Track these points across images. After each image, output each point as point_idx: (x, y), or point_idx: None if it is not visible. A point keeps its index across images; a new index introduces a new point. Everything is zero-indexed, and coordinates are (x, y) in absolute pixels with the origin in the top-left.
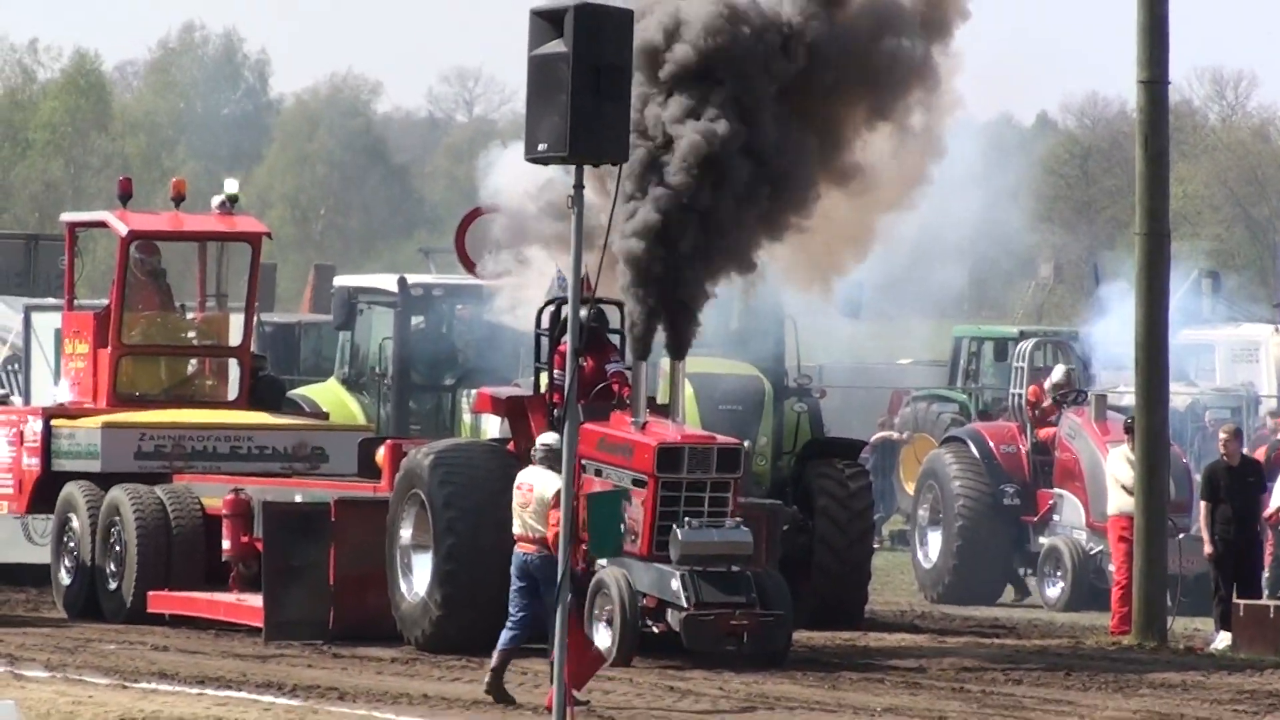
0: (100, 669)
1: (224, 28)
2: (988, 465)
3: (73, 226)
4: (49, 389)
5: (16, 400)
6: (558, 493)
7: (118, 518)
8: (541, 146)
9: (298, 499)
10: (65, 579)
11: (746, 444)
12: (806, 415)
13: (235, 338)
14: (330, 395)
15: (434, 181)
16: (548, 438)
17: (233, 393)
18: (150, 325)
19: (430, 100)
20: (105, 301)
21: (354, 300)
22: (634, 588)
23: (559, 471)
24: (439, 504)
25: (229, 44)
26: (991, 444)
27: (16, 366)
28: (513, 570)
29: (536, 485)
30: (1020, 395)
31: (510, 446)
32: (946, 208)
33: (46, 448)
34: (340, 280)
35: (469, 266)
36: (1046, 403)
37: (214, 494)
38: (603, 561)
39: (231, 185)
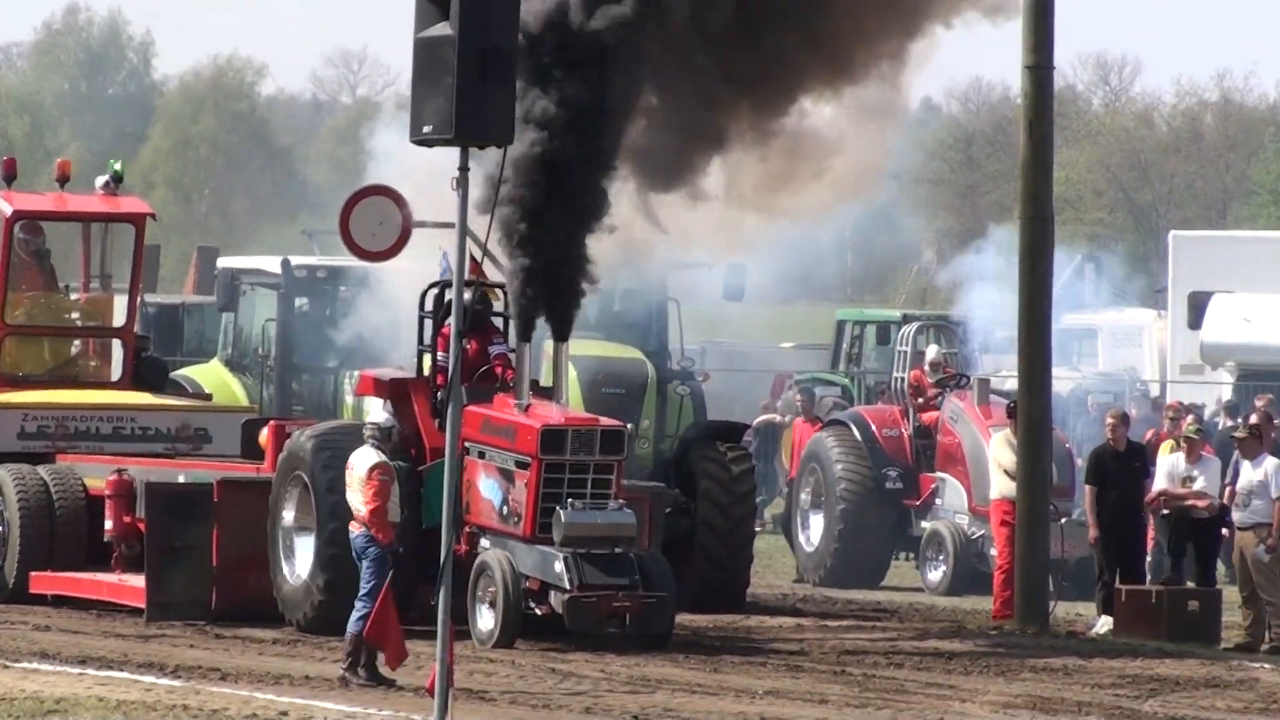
0: None
1: (108, 10)
2: (870, 449)
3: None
4: None
5: None
6: (370, 468)
7: (0, 497)
8: (427, 129)
9: (181, 480)
10: None
11: (629, 427)
12: (690, 398)
13: (119, 319)
14: (213, 376)
15: (318, 164)
16: (377, 417)
17: (116, 373)
18: (34, 306)
19: (314, 82)
20: None
21: (237, 281)
22: (517, 570)
23: (384, 452)
24: (322, 487)
25: (113, 26)
26: (874, 427)
27: None
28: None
29: (355, 464)
30: (903, 379)
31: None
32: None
33: None
34: (224, 262)
35: (353, 248)
36: (930, 387)
37: (97, 474)
38: (485, 543)
39: (115, 165)
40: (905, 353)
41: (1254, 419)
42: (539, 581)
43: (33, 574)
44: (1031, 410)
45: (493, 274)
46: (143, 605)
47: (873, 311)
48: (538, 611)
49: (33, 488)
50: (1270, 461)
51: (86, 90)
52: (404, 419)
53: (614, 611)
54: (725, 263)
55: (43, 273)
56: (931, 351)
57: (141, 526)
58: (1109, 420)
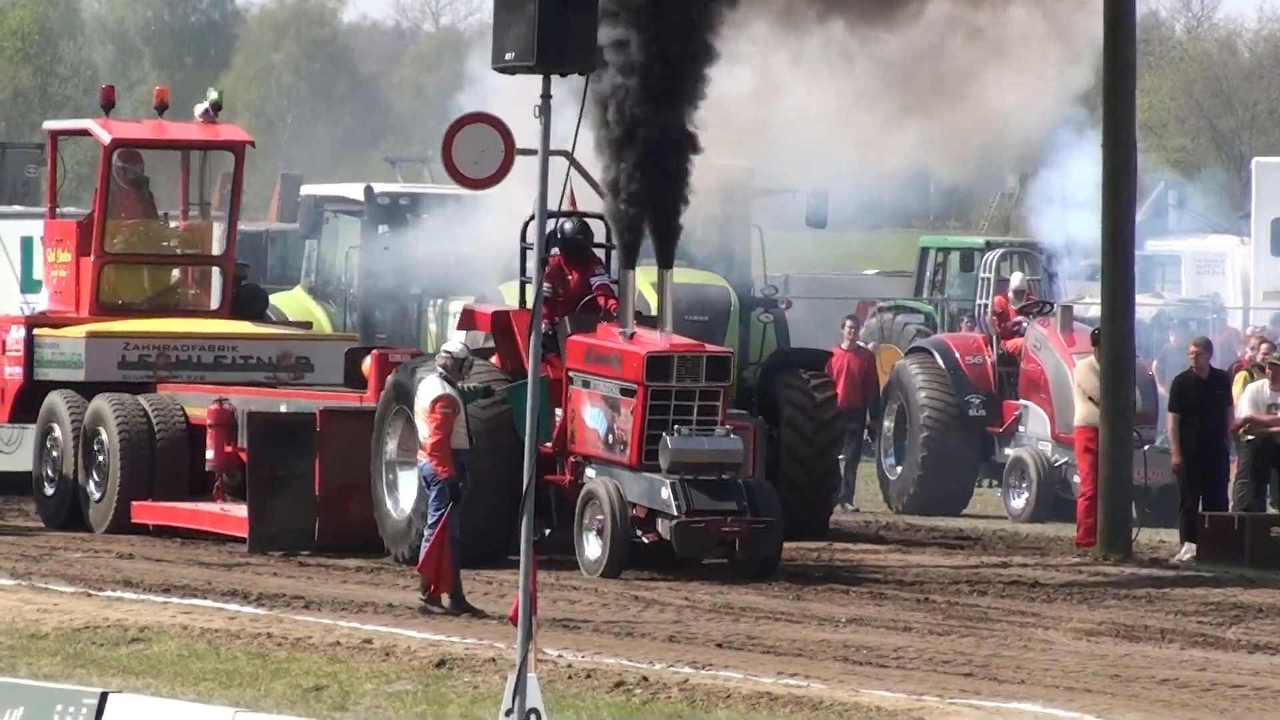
0: (65, 577)
1: None
2: (953, 376)
3: (55, 134)
4: (14, 297)
5: None
6: (434, 400)
7: (101, 428)
8: (509, 56)
9: (283, 409)
10: (48, 489)
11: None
12: (772, 326)
13: (218, 247)
14: (297, 304)
15: (400, 92)
16: (450, 345)
17: (215, 302)
18: (133, 234)
19: (397, 10)
20: (87, 211)
21: (320, 209)
22: (624, 497)
23: (451, 383)
24: None
25: None
26: (957, 355)
27: None
28: None
29: (421, 394)
30: (986, 306)
31: (495, 360)
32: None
33: (29, 357)
34: (307, 189)
35: (455, 175)
36: (1013, 314)
37: (198, 404)
38: (591, 472)
39: (214, 93)
40: (989, 280)
41: None
42: (645, 509)
43: (134, 504)
44: (1115, 337)
45: (595, 206)
46: (245, 535)
47: (956, 239)
48: (645, 540)
49: (133, 417)
50: None
51: (169, 18)
52: (507, 351)
53: (722, 537)
54: (809, 189)
55: (141, 201)
56: (1016, 279)
57: (243, 456)
58: (1192, 348)
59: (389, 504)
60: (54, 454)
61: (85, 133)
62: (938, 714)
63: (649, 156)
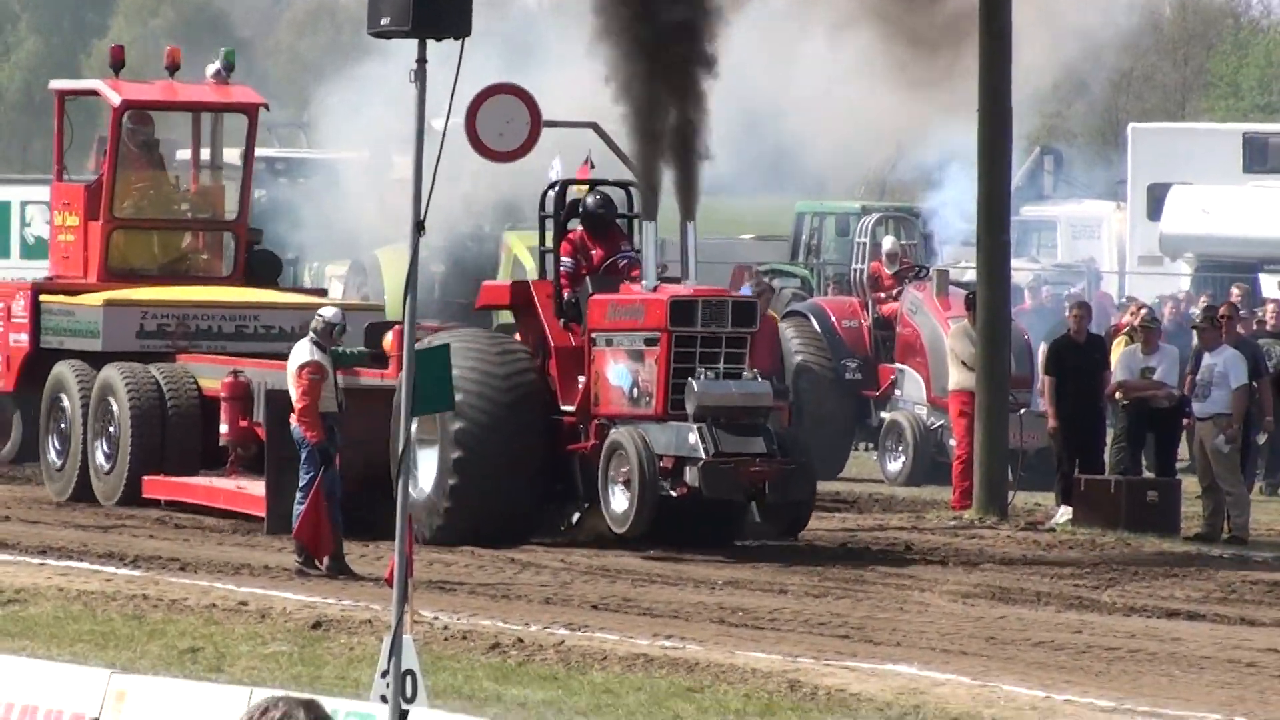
0: None
1: None
2: (829, 340)
3: (62, 94)
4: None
5: None
6: (300, 366)
7: (111, 398)
8: (384, 21)
9: (266, 388)
10: (55, 461)
11: None
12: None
13: (230, 212)
14: None
15: (276, 57)
16: (324, 310)
17: (227, 268)
18: (143, 197)
19: None
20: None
21: None
22: (651, 448)
23: (322, 348)
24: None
25: None
26: (833, 318)
27: None
28: None
29: (291, 358)
30: (862, 270)
31: (518, 335)
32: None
33: (36, 324)
34: (182, 154)
35: (480, 148)
36: (888, 279)
37: (211, 375)
38: (618, 426)
39: (226, 52)
40: (864, 245)
41: (1222, 310)
42: (673, 460)
43: (145, 478)
44: (990, 302)
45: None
46: (263, 515)
47: (832, 203)
48: (673, 493)
49: (144, 388)
50: (1229, 352)
51: None
52: (529, 323)
53: (752, 478)
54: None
55: (151, 164)
56: (888, 243)
57: (258, 431)
58: (1073, 311)
59: (412, 480)
60: (61, 425)
61: (94, 93)
62: (813, 675)
63: (664, 116)
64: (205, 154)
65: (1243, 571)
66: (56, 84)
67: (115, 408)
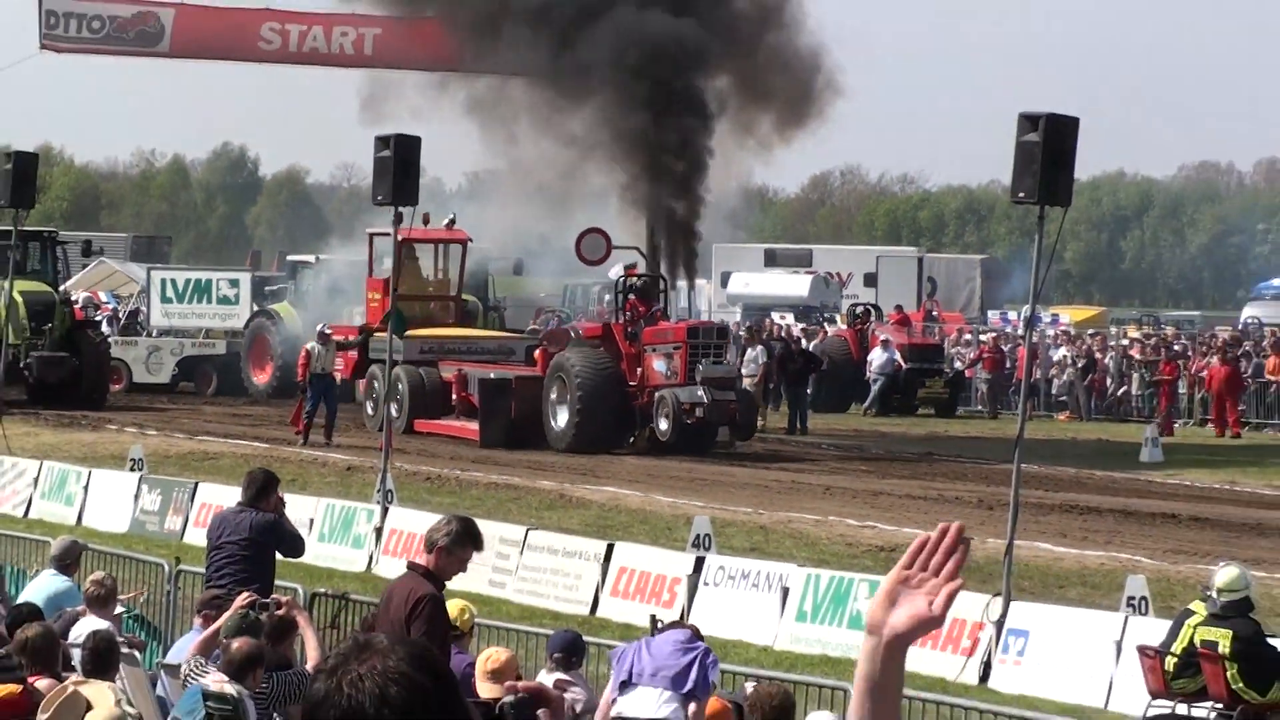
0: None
1: None
2: None
3: (372, 236)
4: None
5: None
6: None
7: (399, 384)
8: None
9: (492, 376)
10: (370, 411)
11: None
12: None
13: (452, 290)
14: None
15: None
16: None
17: (450, 318)
18: (410, 285)
19: None
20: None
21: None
22: (679, 399)
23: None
24: (574, 380)
25: None
26: None
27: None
28: None
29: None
30: None
31: (601, 350)
32: None
33: (363, 347)
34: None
35: (582, 259)
36: None
37: (447, 371)
38: (659, 393)
39: (452, 215)
40: None
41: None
42: (689, 405)
43: (416, 421)
44: None
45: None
46: (477, 438)
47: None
48: (688, 421)
49: (412, 377)
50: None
51: None
52: (608, 342)
53: (729, 411)
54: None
55: (413, 267)
56: None
57: (470, 399)
58: None
59: (552, 423)
60: (374, 394)
61: (388, 234)
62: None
63: (674, 224)
64: (438, 262)
65: None
66: (370, 229)
67: (402, 387)
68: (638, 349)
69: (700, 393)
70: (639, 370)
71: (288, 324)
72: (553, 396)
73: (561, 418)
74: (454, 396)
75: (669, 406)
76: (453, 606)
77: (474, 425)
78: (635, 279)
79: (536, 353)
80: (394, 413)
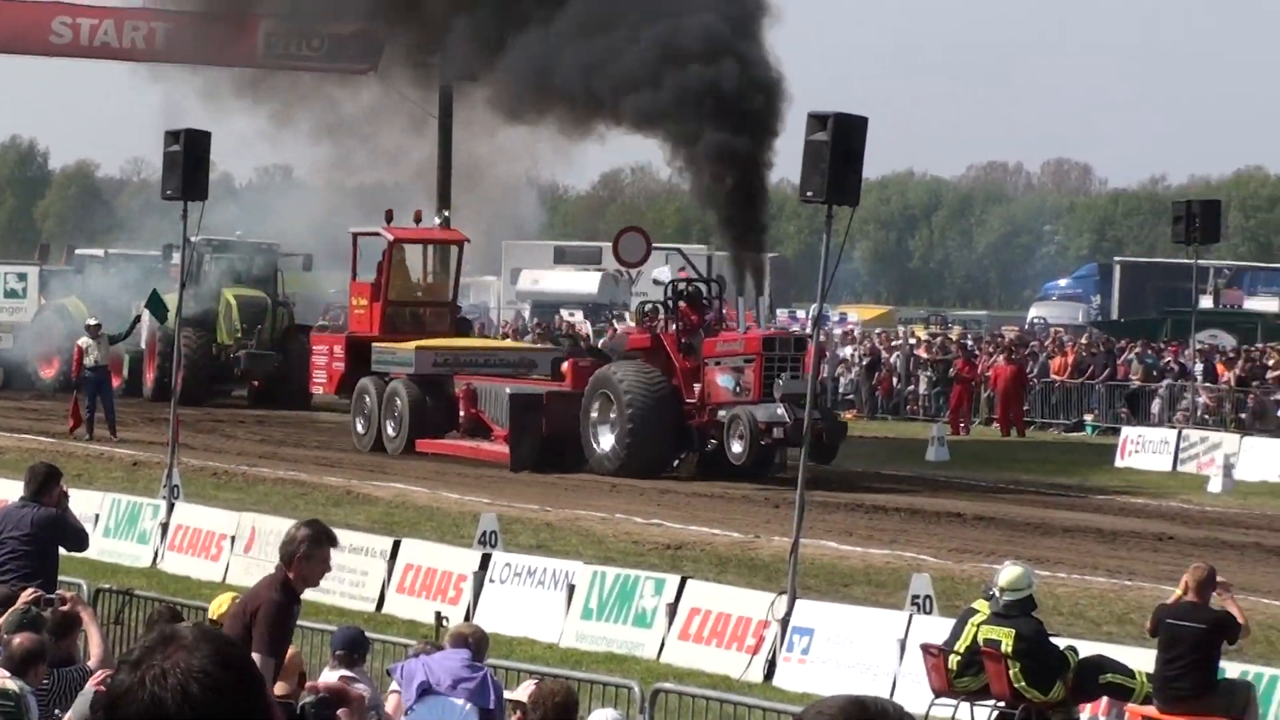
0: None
1: None
2: None
3: (356, 235)
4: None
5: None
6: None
7: (397, 398)
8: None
9: (509, 391)
10: (360, 430)
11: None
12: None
13: (449, 296)
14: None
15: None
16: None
17: (443, 327)
18: (401, 290)
19: None
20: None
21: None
22: (755, 418)
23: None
24: (623, 398)
25: None
26: None
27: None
28: None
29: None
30: None
31: (642, 359)
32: None
33: (348, 357)
34: None
35: (620, 261)
36: None
37: (453, 386)
38: (721, 412)
39: (446, 213)
40: None
41: None
42: (767, 424)
43: (417, 441)
44: None
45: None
46: (494, 461)
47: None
48: (763, 443)
49: (415, 391)
50: None
51: None
52: (656, 355)
53: (817, 432)
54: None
55: (403, 271)
56: None
57: (479, 416)
58: None
59: (595, 444)
60: (364, 410)
61: (376, 233)
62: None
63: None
64: (431, 264)
65: None
66: (353, 229)
67: (399, 402)
68: (695, 362)
69: (780, 411)
70: (696, 386)
71: (75, 318)
72: (594, 415)
73: (606, 439)
74: (461, 413)
75: (743, 426)
76: (225, 598)
77: (489, 445)
78: (685, 283)
79: (564, 366)
80: (391, 431)
